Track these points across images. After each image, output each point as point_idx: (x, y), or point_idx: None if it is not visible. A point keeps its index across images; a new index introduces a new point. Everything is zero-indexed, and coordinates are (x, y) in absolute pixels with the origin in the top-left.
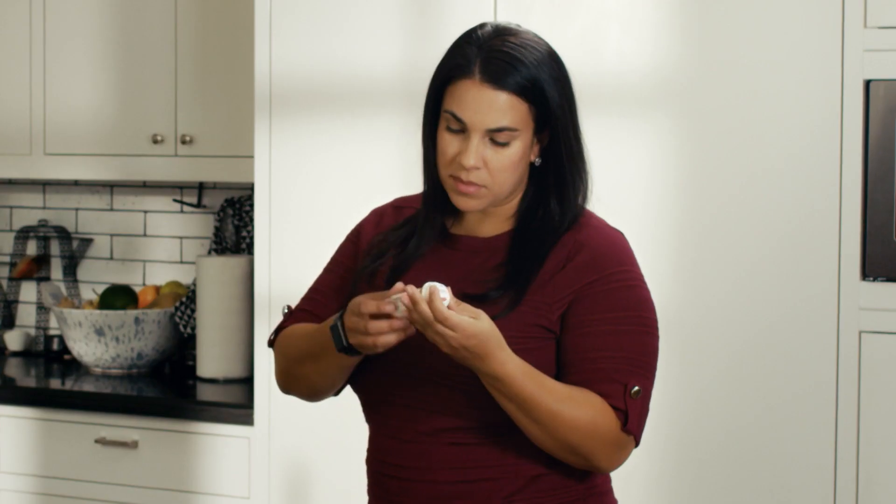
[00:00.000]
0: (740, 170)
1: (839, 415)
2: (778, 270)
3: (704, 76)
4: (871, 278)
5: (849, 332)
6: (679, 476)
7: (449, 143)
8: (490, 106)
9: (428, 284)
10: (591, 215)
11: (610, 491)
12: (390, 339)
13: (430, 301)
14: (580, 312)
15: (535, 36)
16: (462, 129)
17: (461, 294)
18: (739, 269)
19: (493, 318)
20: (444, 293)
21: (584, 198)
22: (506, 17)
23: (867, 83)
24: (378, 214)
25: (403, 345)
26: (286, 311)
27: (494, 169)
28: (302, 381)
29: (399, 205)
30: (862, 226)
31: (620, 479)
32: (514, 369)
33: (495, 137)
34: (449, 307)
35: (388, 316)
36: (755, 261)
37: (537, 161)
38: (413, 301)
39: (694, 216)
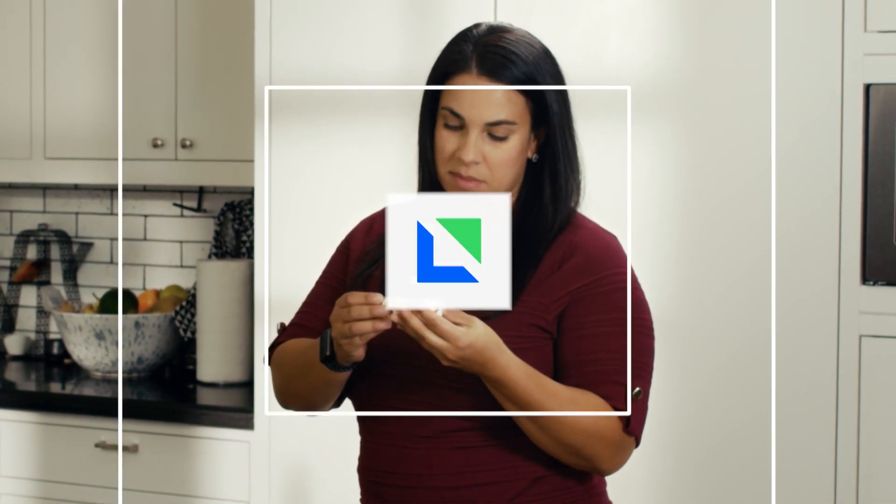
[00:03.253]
0: (740, 173)
1: (839, 418)
2: (778, 274)
3: (704, 80)
4: (871, 282)
5: (849, 336)
6: (679, 478)
7: (447, 140)
8: (488, 100)
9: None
10: (584, 218)
11: (606, 492)
12: (366, 326)
13: (419, 311)
14: (577, 315)
15: (529, 34)
16: (460, 125)
17: None
18: (739, 273)
19: (491, 317)
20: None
21: (578, 200)
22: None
23: (867, 87)
24: (367, 223)
25: (399, 348)
26: (280, 327)
27: (494, 164)
28: (296, 396)
29: None
30: (862, 230)
31: (619, 481)
32: (516, 373)
33: (493, 132)
34: (443, 316)
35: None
36: (755, 264)
37: (535, 157)
38: (403, 318)
39: (694, 220)
